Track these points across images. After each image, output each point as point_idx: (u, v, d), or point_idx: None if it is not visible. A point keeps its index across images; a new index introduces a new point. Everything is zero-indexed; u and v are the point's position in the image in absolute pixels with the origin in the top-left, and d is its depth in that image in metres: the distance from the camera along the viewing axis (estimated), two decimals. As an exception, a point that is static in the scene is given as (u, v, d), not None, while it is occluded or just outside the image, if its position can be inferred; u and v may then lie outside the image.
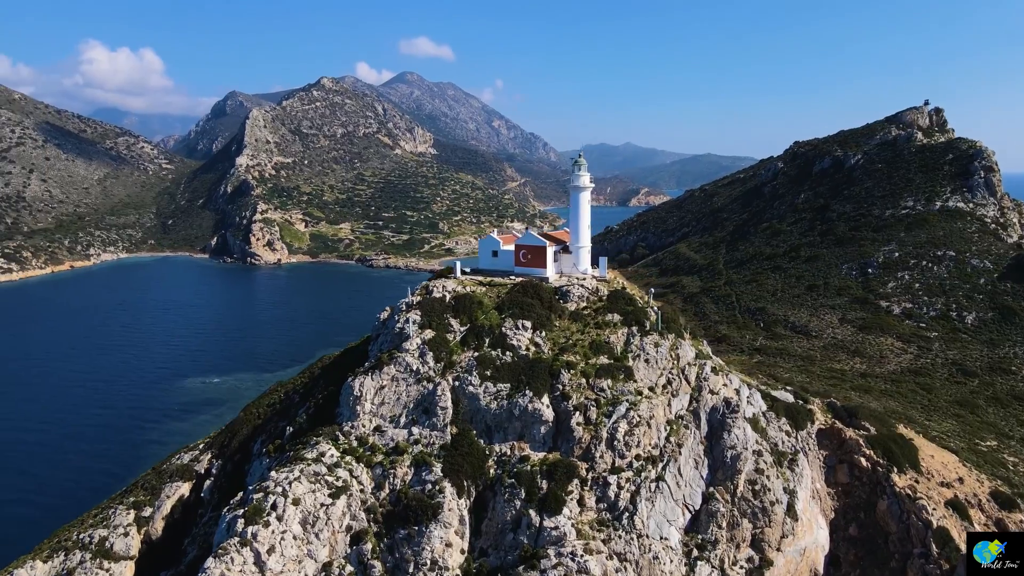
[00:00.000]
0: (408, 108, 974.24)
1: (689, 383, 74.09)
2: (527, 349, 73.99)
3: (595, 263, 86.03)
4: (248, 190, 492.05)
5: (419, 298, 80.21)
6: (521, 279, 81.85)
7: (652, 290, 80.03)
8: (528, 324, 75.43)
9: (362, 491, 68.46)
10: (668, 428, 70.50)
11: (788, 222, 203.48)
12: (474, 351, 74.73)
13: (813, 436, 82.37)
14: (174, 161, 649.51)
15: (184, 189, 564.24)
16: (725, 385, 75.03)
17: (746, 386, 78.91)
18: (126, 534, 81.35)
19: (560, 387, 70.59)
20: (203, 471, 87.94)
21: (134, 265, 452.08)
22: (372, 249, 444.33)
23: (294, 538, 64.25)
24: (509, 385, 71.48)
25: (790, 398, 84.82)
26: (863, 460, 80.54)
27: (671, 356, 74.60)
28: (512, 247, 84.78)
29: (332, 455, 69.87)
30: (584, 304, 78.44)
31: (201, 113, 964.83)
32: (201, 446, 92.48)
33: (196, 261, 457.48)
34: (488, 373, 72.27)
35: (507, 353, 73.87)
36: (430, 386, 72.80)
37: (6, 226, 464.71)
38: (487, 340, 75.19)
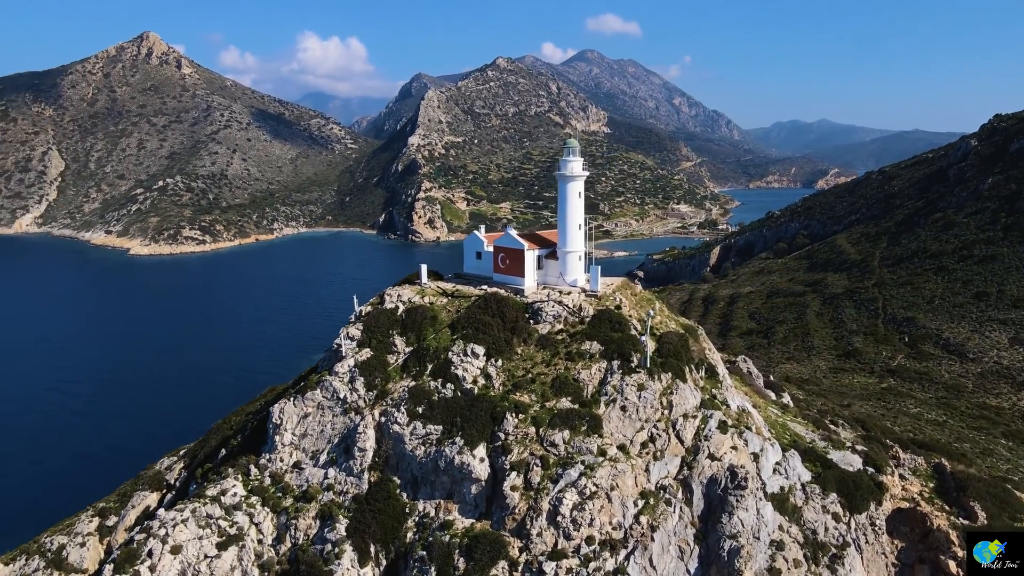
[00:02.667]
0: (585, 86, 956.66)
1: (682, 442, 55.35)
2: (473, 382, 58.89)
3: (588, 270, 68.20)
4: (416, 169, 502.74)
5: (370, 308, 67.40)
6: (492, 290, 66.29)
7: (651, 312, 61.34)
8: (480, 350, 60.18)
9: (260, 542, 57.51)
10: (641, 503, 52.63)
11: (967, 212, 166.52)
12: (412, 379, 60.83)
13: (880, 521, 60.03)
14: (358, 141, 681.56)
15: (363, 168, 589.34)
16: (735, 448, 55.28)
17: (776, 448, 58.32)
18: (83, 544, 76.51)
19: (502, 436, 54.98)
20: (172, 481, 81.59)
21: (310, 239, 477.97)
22: (529, 228, 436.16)
23: (168, 592, 54.42)
24: (441, 428, 57.01)
25: (854, 463, 62.58)
26: (952, 564, 57.42)
27: (660, 404, 56.17)
28: (493, 249, 69.41)
29: (236, 494, 59.44)
30: (559, 326, 61.62)
31: (394, 96, 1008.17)
32: (181, 452, 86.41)
33: (364, 236, 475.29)
34: (420, 410, 58.21)
35: (448, 386, 59.27)
36: (357, 419, 60.09)
37: (208, 201, 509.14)
38: (430, 367, 60.95)
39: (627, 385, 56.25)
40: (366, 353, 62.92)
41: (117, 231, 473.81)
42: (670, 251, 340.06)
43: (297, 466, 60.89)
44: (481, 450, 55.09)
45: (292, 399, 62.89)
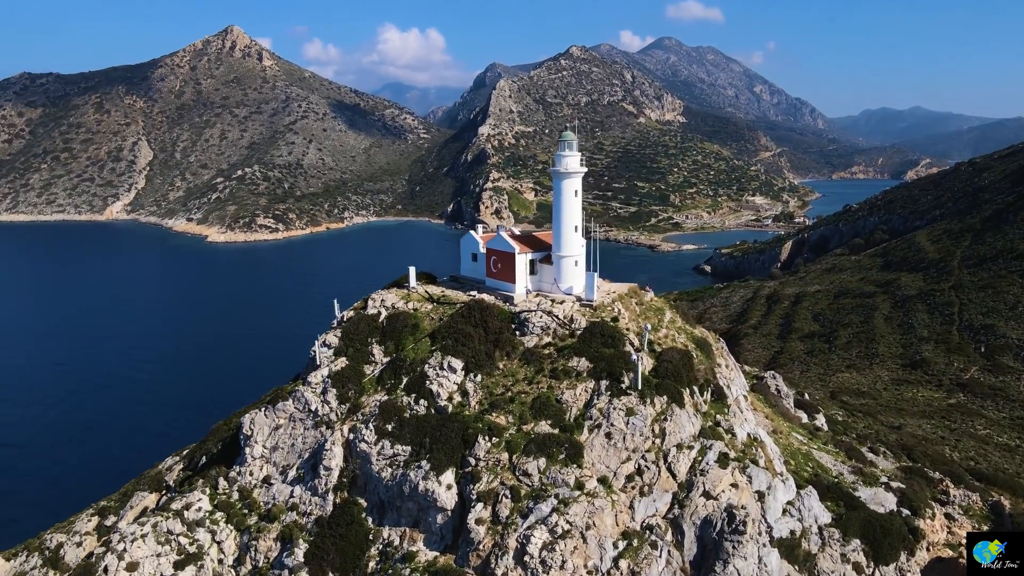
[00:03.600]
0: (662, 75, 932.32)
1: (674, 476, 48.81)
2: (449, 399, 53.77)
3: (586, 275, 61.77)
4: (485, 159, 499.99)
5: (352, 313, 63.04)
6: (480, 296, 60.79)
7: (648, 326, 54.62)
8: (458, 364, 54.92)
9: (220, 562, 54.17)
10: (622, 545, 46.52)
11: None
12: (386, 393, 56.16)
13: (913, 573, 52.01)
14: (431, 131, 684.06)
15: (434, 157, 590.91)
16: (735, 486, 48.32)
17: (789, 484, 51.00)
18: (80, 544, 75.18)
19: (472, 461, 49.72)
20: (171, 483, 79.56)
21: (379, 228, 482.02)
22: (596, 220, 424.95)
23: (120, 612, 51.62)
24: (410, 449, 52.19)
25: (886, 503, 54.54)
26: (995, 627, 48.89)
27: (651, 431, 49.73)
28: (485, 251, 63.87)
29: (201, 508, 56.25)
30: (547, 339, 55.71)
31: (469, 86, 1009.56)
32: (184, 452, 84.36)
33: (432, 226, 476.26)
34: (389, 428, 53.53)
35: (421, 402, 54.34)
36: (327, 435, 55.93)
37: (283, 190, 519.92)
38: (405, 380, 56.13)
39: (614, 409, 50.03)
40: (342, 362, 58.66)
41: (197, 219, 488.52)
42: (740, 245, 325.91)
43: (267, 481, 57.27)
44: (449, 476, 50.03)
45: (263, 409, 59.30)
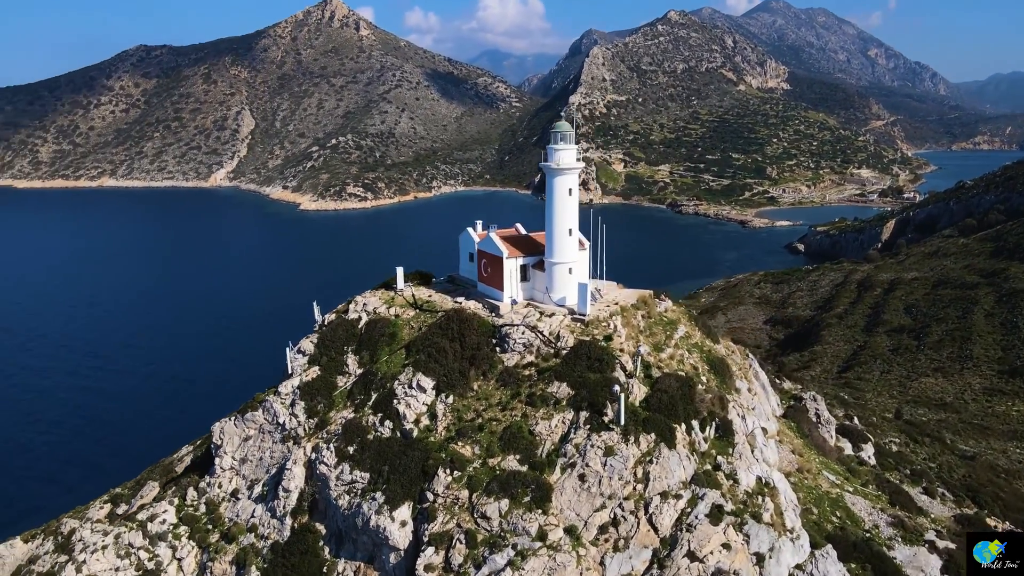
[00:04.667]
0: (767, 39, 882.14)
1: (656, 530, 41.79)
2: (415, 422, 48.36)
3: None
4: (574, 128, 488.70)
5: (334, 317, 58.29)
6: (468, 303, 54.71)
7: (641, 349, 47.17)
8: (429, 383, 49.32)
9: (178, 580, 51.05)
10: (588, 604, 40.20)
11: None
12: (354, 410, 51.31)
13: (952, 655, 43.27)
14: (523, 99, 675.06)
15: (524, 127, 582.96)
16: (727, 546, 40.82)
17: (801, 543, 43.00)
18: (90, 531, 75.00)
19: (430, 497, 44.29)
20: (180, 472, 78.15)
21: (465, 197, 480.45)
22: (686, 193, 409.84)
23: (74, 627, 49.52)
24: (368, 476, 47.26)
25: (927, 567, 45.61)
26: None
27: (632, 475, 42.75)
28: (477, 253, 57.50)
29: (165, 520, 53.53)
30: (529, 358, 49.19)
31: (564, 53, 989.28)
32: (198, 443, 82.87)
33: (518, 196, 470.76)
34: (351, 450, 48.73)
35: (387, 423, 49.19)
36: (293, 450, 51.79)
37: (374, 159, 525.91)
38: (374, 396, 51.07)
39: (592, 446, 43.33)
40: (314, 372, 54.23)
41: (292, 186, 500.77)
42: (838, 223, 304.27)
43: (235, 495, 53.88)
44: (405, 511, 44.83)
45: (233, 419, 55.70)
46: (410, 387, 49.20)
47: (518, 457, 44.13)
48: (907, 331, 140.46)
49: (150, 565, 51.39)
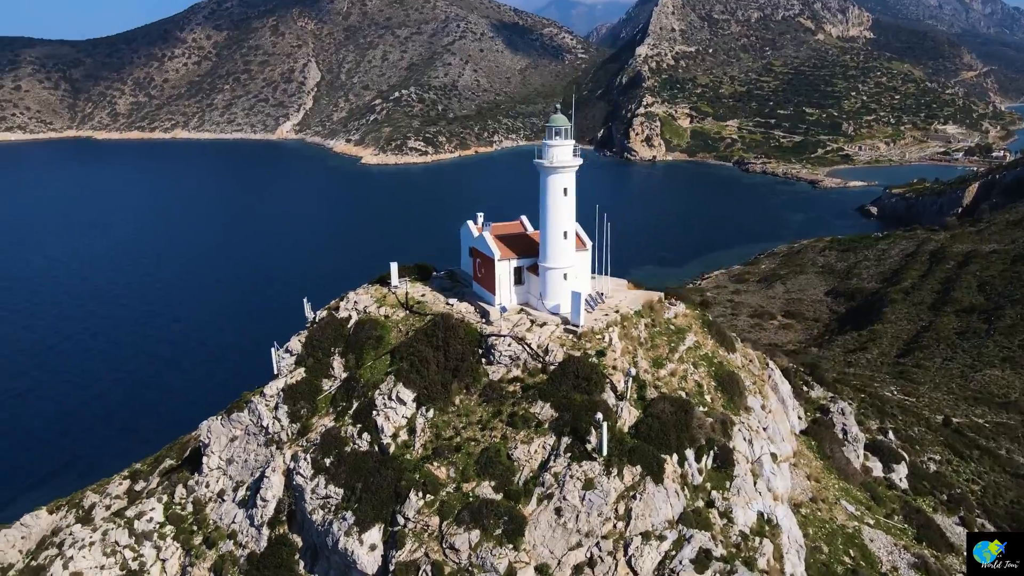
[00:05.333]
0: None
1: (635, 574, 38.24)
2: (393, 436, 45.64)
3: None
4: (640, 81, 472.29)
5: (325, 314, 55.72)
6: (461, 305, 51.17)
7: (632, 370, 42.81)
8: (409, 395, 46.40)
9: (161, 582, 50.38)
10: (558, 650, 37.29)
11: None
12: (335, 419, 48.96)
13: None
14: (589, 51, 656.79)
15: (589, 79, 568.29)
16: (713, 594, 37.03)
17: (800, 592, 38.87)
18: (108, 507, 76.03)
19: (401, 521, 41.73)
20: (180, 461, 78.14)
21: (527, 152, 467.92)
22: (754, 151, 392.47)
23: (59, 624, 49.60)
24: (342, 493, 45.03)
25: (948, 622, 40.81)
26: None
27: (613, 512, 39.13)
28: (471, 251, 53.66)
29: (153, 518, 52.92)
30: (515, 372, 45.59)
31: (634, 1, 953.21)
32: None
33: (579, 152, 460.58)
34: (327, 463, 46.56)
35: (365, 436, 46.66)
36: (274, 456, 50.01)
37: (437, 112, 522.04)
38: (356, 405, 48.53)
39: (571, 477, 39.82)
40: (299, 374, 52.02)
41: (355, 140, 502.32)
42: (916, 184, 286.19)
43: (221, 495, 52.69)
44: (375, 534, 42.50)
45: (220, 418, 54.23)
46: (390, 398, 46.43)
47: (493, 484, 41.01)
48: (978, 312, 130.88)
49: (134, 565, 50.84)
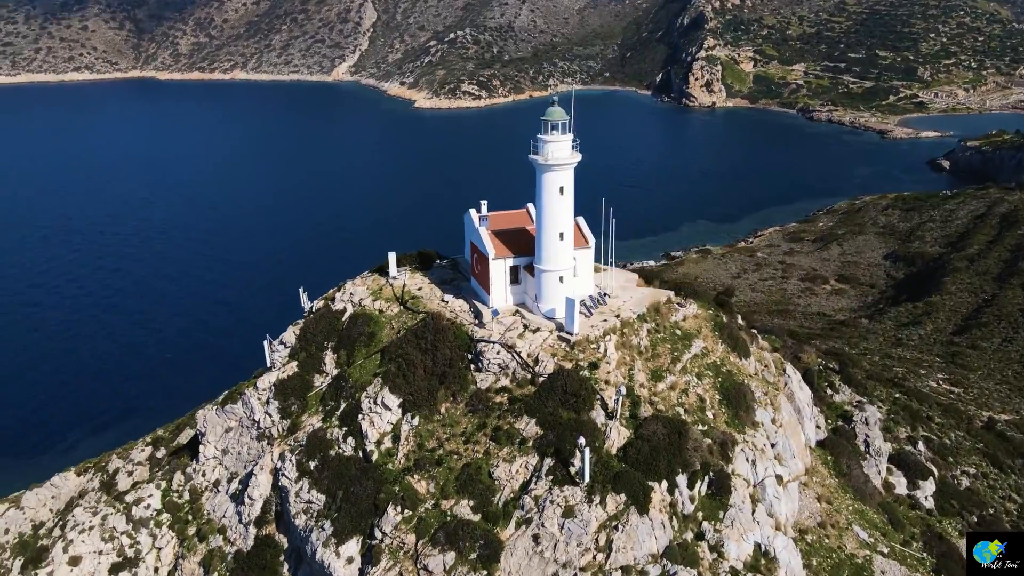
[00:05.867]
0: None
1: (615, 607, 36.11)
2: (377, 443, 44.01)
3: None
4: (702, 23, 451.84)
5: (321, 305, 53.94)
6: (443, 309, 48.57)
7: (622, 389, 39.68)
8: (395, 401, 44.52)
9: (156, 571, 50.73)
10: None
11: None
12: (322, 419, 47.57)
13: None
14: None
15: (650, 20, 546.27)
16: (695, 637, 34.68)
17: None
18: (131, 473, 77.44)
19: (378, 536, 40.37)
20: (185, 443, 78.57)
21: (582, 97, 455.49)
22: (820, 97, 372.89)
23: (60, 606, 50.61)
24: (324, 499, 43.88)
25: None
26: None
27: (594, 543, 36.83)
28: (469, 246, 50.64)
29: (150, 506, 53.16)
30: (504, 382, 43.09)
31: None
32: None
33: (637, 97, 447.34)
34: (312, 466, 45.44)
35: (350, 440, 45.17)
36: (264, 451, 49.17)
37: (491, 55, 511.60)
38: (343, 406, 46.97)
39: (551, 502, 37.62)
40: (291, 369, 50.71)
41: (409, 83, 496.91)
42: (994, 135, 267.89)
43: (216, 485, 52.30)
44: (353, 547, 41.31)
45: (215, 408, 53.55)
46: (376, 403, 44.68)
47: (472, 503, 39.12)
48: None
49: (130, 552, 51.22)
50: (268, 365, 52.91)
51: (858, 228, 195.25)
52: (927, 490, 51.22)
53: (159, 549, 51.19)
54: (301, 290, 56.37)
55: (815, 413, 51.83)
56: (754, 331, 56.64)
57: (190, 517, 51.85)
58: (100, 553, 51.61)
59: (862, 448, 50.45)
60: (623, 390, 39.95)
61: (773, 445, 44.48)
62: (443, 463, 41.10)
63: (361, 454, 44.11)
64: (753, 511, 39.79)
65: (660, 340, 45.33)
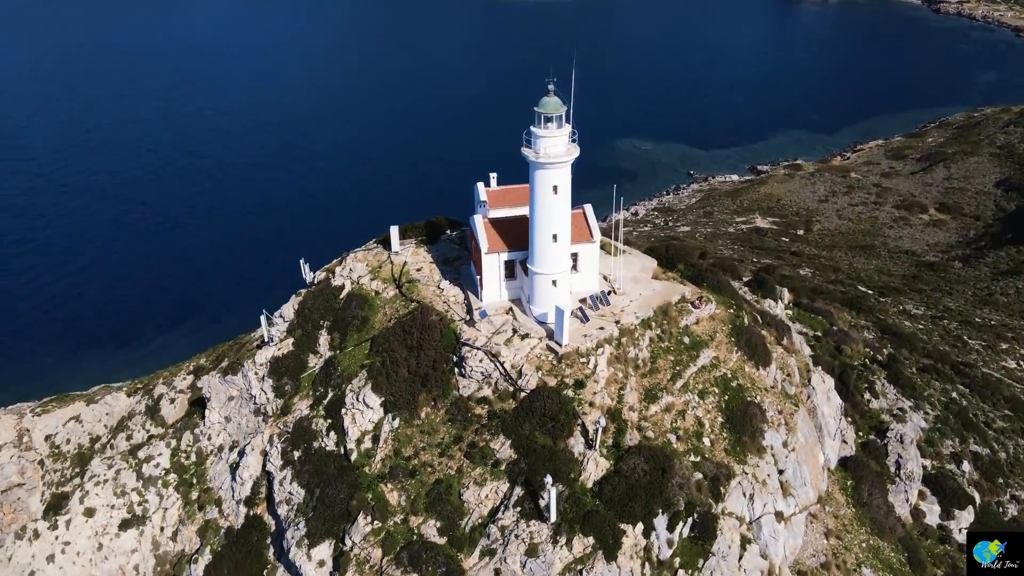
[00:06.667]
0: None
1: (574, 652, 34.20)
2: (358, 441, 42.46)
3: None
4: None
5: (324, 276, 51.71)
6: (435, 299, 45.24)
7: (601, 421, 35.73)
8: (376, 401, 42.48)
9: (162, 530, 52.32)
10: None
11: None
12: (310, 405, 46.35)
13: None
14: None
15: None
16: None
17: None
18: (172, 400, 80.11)
19: (349, 543, 39.47)
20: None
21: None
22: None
23: (78, 555, 53.41)
24: (304, 493, 43.23)
25: None
26: None
27: (558, 585, 34.59)
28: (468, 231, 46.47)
29: (159, 464, 54.22)
30: (486, 391, 40.06)
31: None
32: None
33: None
34: (296, 456, 44.71)
35: (332, 434, 43.87)
36: (260, 428, 48.84)
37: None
38: (330, 395, 45.46)
39: (516, 537, 35.40)
40: (287, 346, 49.35)
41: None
42: None
43: (220, 451, 52.73)
44: (325, 550, 40.72)
45: (218, 375, 53.33)
46: (358, 399, 42.87)
47: (439, 525, 37.36)
48: None
49: (138, 510, 52.70)
50: (266, 340, 51.73)
51: (971, 147, 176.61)
52: (963, 521, 45.80)
53: (165, 510, 52.48)
54: (302, 261, 54.31)
55: (843, 426, 46.75)
56: (788, 324, 51.14)
57: (194, 481, 52.70)
58: (112, 507, 53.43)
59: (892, 470, 45.36)
60: (602, 422, 36.38)
61: (781, 471, 40.43)
62: (416, 475, 39.26)
63: (342, 450, 42.80)
64: (741, 556, 36.42)
65: (663, 351, 41.10)
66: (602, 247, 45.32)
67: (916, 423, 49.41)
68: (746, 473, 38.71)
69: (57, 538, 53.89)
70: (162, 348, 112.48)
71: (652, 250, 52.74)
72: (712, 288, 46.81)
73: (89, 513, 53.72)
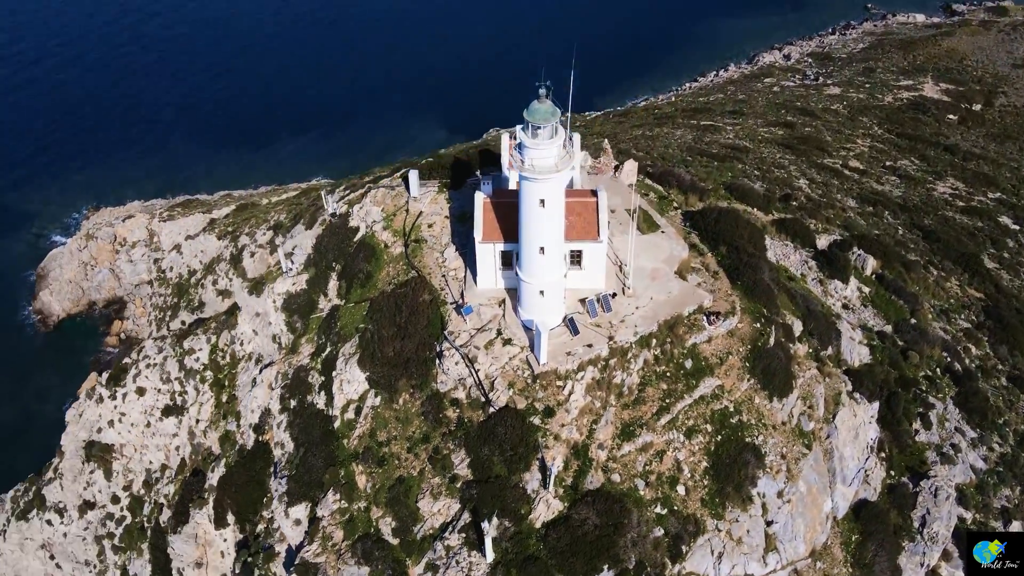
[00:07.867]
0: None
1: None
2: (342, 410, 42.39)
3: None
4: None
5: (345, 209, 49.39)
6: (431, 272, 41.88)
7: (555, 466, 32.26)
8: (361, 376, 41.56)
9: (198, 422, 56.49)
10: None
11: None
12: (310, 354, 46.40)
13: None
14: None
15: None
16: None
17: None
18: (253, 254, 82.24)
19: (320, 514, 40.77)
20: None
21: None
22: None
23: (132, 426, 59.46)
24: (293, 447, 44.63)
25: None
26: None
27: (491, 618, 34.39)
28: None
29: (200, 359, 57.56)
30: (459, 393, 37.92)
31: None
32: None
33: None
34: (292, 405, 45.79)
35: (322, 394, 44.07)
36: (262, 364, 50.32)
37: None
38: (327, 351, 45.07)
39: (456, 564, 35.16)
40: (302, 281, 48.78)
41: None
42: None
43: (248, 359, 54.85)
44: (301, 511, 42.50)
45: (246, 290, 54.01)
46: (347, 365, 42.21)
47: (394, 525, 37.55)
48: None
49: (179, 400, 56.71)
50: (284, 269, 51.05)
51: None
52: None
53: (200, 404, 56.13)
54: (324, 192, 51.90)
55: (871, 464, 41.28)
56: (840, 327, 44.28)
57: (226, 383, 55.54)
58: (158, 391, 57.89)
59: (915, 525, 40.09)
60: (556, 468, 33.79)
61: (769, 523, 36.99)
62: (384, 464, 39.03)
63: (329, 412, 43.04)
64: (700, 618, 34.56)
65: (656, 377, 36.98)
66: (632, 216, 39.15)
67: (968, 464, 43.14)
68: (719, 529, 35.72)
69: (115, 408, 59.51)
70: (293, 154, 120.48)
71: (702, 215, 46.20)
72: (745, 290, 40.89)
73: (140, 392, 58.54)
